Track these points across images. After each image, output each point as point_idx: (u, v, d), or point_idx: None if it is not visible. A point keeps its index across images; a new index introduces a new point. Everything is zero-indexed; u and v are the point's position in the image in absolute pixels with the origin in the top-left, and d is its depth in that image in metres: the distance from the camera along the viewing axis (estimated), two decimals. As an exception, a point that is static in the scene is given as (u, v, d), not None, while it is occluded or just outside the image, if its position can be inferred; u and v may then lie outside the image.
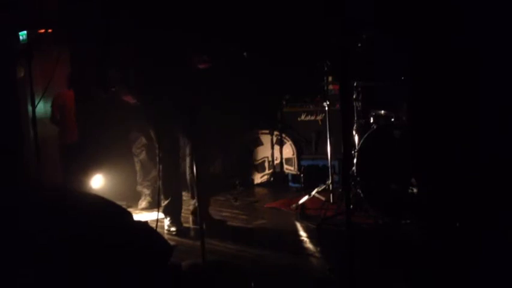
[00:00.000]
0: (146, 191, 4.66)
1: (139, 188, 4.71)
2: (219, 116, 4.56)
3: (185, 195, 4.13)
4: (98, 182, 4.53)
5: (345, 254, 2.46)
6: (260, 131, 5.55)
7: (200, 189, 3.15)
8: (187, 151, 3.98)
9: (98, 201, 2.60)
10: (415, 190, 3.74)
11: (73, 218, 2.24)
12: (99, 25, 4.22)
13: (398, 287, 2.60)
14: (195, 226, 3.93)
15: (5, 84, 4.01)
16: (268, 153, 5.48)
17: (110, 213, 2.45)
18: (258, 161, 5.52)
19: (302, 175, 5.05)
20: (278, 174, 5.42)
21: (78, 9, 4.39)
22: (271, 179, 5.43)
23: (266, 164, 5.49)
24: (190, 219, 4.06)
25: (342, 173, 4.27)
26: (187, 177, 4.03)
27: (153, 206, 4.48)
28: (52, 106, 4.76)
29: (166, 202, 3.76)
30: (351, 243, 2.38)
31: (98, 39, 4.36)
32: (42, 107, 4.71)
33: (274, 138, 5.44)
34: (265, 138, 5.52)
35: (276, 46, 5.07)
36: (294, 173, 5.33)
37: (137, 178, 4.72)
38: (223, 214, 4.26)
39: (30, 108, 3.57)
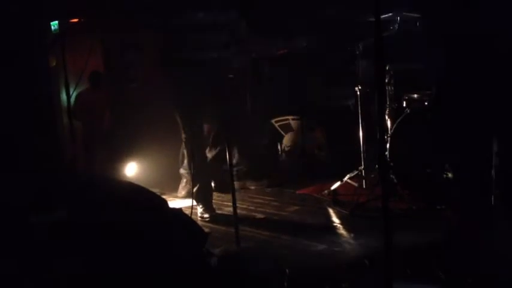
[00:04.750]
0: (188, 176, 4.37)
1: (181, 170, 4.48)
2: (249, 101, 4.57)
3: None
4: (132, 169, 4.57)
5: (379, 240, 2.44)
6: (290, 117, 5.51)
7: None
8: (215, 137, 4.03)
9: (132, 188, 2.62)
10: (450, 175, 3.68)
11: (107, 204, 2.27)
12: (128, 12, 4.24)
13: (432, 274, 2.56)
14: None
15: (37, 73, 4.07)
16: (299, 139, 5.44)
17: (144, 200, 2.47)
18: (288, 146, 5.49)
19: (333, 161, 5.01)
20: (309, 160, 5.38)
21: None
22: (302, 165, 5.40)
23: (296, 150, 5.46)
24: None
25: (377, 158, 4.21)
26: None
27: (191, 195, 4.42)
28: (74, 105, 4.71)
29: (196, 189, 3.78)
30: (387, 229, 2.36)
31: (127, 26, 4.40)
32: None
33: (305, 124, 5.40)
34: (296, 124, 5.48)
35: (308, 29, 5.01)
36: (325, 158, 5.28)
37: (183, 159, 4.44)
38: (255, 201, 4.27)
39: (63, 97, 3.62)
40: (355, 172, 4.26)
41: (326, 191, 4.22)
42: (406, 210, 3.56)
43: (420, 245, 2.96)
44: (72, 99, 3.83)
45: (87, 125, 4.72)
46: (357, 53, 4.25)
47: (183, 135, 3.81)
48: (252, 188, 4.61)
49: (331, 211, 3.83)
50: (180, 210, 2.69)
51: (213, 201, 3.95)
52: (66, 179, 2.61)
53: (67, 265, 2.01)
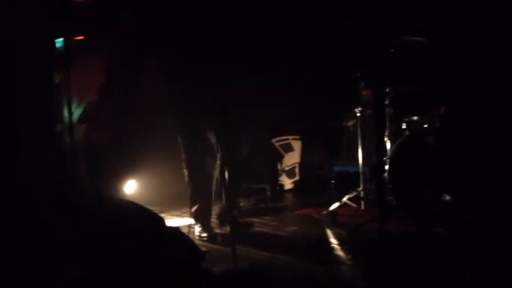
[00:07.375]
0: None
1: None
2: (250, 120, 4.59)
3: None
4: (131, 187, 4.57)
5: (376, 261, 2.44)
6: (291, 137, 5.54)
7: (229, 193, 3.14)
8: (218, 155, 4.01)
9: (130, 206, 2.63)
10: (448, 197, 3.68)
11: (104, 222, 2.28)
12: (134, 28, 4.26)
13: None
14: (222, 231, 3.91)
15: (42, 89, 4.09)
16: (299, 159, 5.46)
17: (141, 219, 2.48)
18: (288, 166, 5.51)
19: (333, 181, 5.02)
20: (308, 180, 5.39)
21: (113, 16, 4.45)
22: (302, 185, 5.41)
23: (297, 170, 5.48)
24: (217, 223, 4.06)
25: (376, 180, 4.22)
26: (214, 181, 4.04)
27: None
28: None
29: (195, 207, 3.76)
30: (384, 250, 2.36)
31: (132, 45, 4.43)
32: (77, 114, 4.77)
33: (305, 144, 5.43)
34: (296, 144, 5.51)
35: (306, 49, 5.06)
36: (324, 179, 5.29)
37: None
38: (254, 220, 4.26)
39: (66, 114, 3.63)
40: (354, 193, 4.27)
41: (325, 212, 4.22)
42: (404, 232, 3.56)
43: (418, 267, 2.95)
44: (75, 114, 3.86)
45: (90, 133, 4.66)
46: (358, 75, 4.28)
47: (183, 155, 3.80)
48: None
49: (329, 232, 3.83)
50: (177, 228, 2.69)
51: (211, 220, 3.94)
52: (66, 195, 2.62)
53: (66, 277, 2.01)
